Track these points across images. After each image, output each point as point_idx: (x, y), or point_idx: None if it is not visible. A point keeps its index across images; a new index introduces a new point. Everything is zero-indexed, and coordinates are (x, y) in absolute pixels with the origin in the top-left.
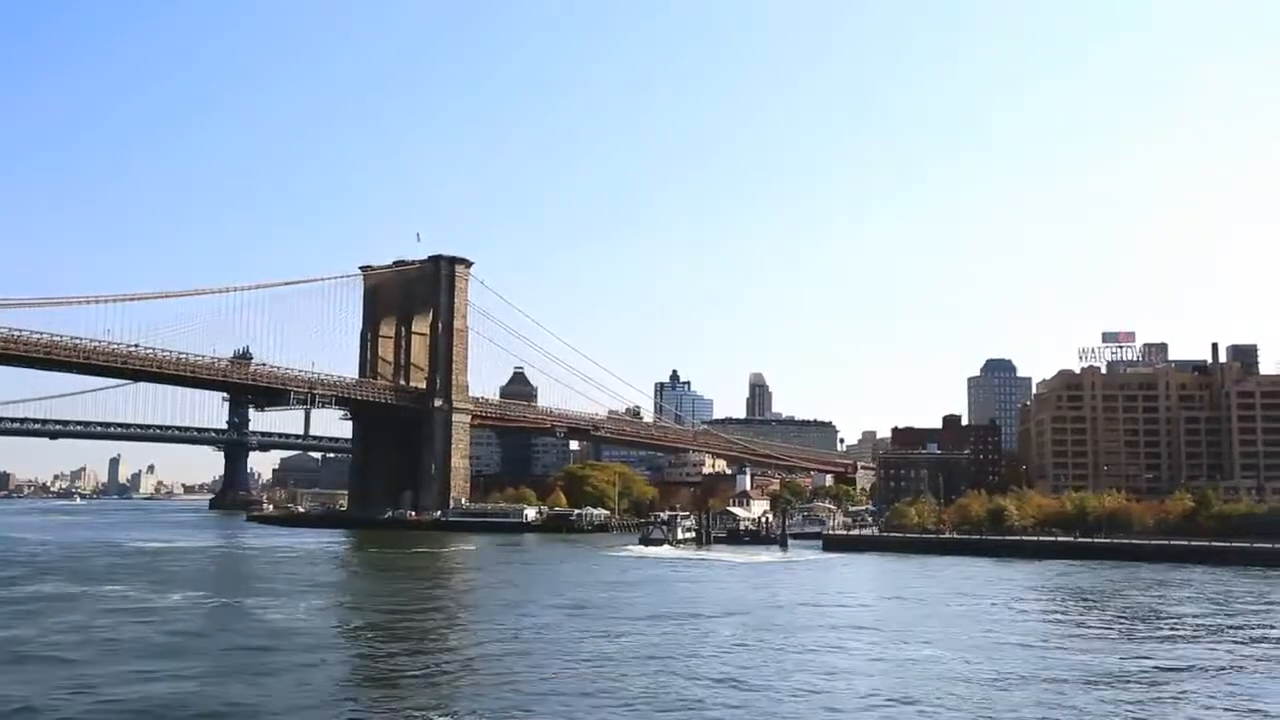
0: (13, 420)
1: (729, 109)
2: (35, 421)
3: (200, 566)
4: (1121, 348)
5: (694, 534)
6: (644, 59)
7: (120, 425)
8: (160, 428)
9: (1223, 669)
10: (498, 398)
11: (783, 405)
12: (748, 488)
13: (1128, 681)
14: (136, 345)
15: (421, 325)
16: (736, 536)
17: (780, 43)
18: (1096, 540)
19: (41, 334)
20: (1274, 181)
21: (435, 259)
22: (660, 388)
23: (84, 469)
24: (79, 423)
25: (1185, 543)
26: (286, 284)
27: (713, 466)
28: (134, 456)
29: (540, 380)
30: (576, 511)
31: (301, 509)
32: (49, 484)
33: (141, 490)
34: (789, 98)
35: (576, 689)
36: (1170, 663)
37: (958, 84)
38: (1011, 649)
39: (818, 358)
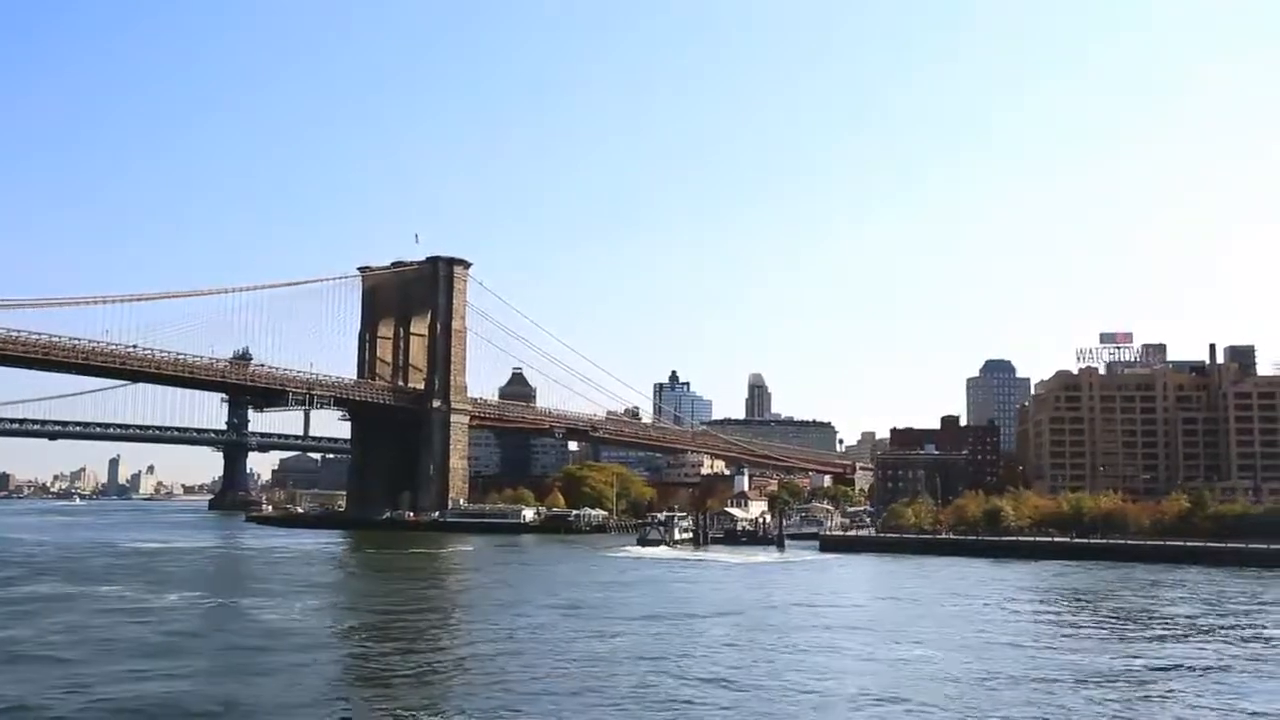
0: (12, 421)
1: (729, 109)
2: (35, 422)
3: (197, 567)
4: (1120, 348)
5: (691, 535)
6: (644, 59)
7: (120, 426)
8: (159, 428)
9: (1211, 668)
10: (496, 398)
11: (782, 406)
12: (745, 488)
13: (1116, 681)
14: (135, 346)
15: (420, 326)
16: (734, 537)
17: (780, 43)
18: (1092, 541)
19: (40, 334)
20: (1274, 181)
21: (434, 260)
22: (659, 388)
23: (83, 469)
24: (78, 423)
25: (1180, 543)
26: (285, 285)
27: (711, 467)
28: (133, 457)
29: (539, 381)
30: (574, 512)
31: (300, 509)
32: (49, 484)
33: (141, 491)
34: (789, 98)
35: (567, 688)
36: (1159, 662)
37: (958, 84)
38: (1002, 649)
39: (817, 358)
